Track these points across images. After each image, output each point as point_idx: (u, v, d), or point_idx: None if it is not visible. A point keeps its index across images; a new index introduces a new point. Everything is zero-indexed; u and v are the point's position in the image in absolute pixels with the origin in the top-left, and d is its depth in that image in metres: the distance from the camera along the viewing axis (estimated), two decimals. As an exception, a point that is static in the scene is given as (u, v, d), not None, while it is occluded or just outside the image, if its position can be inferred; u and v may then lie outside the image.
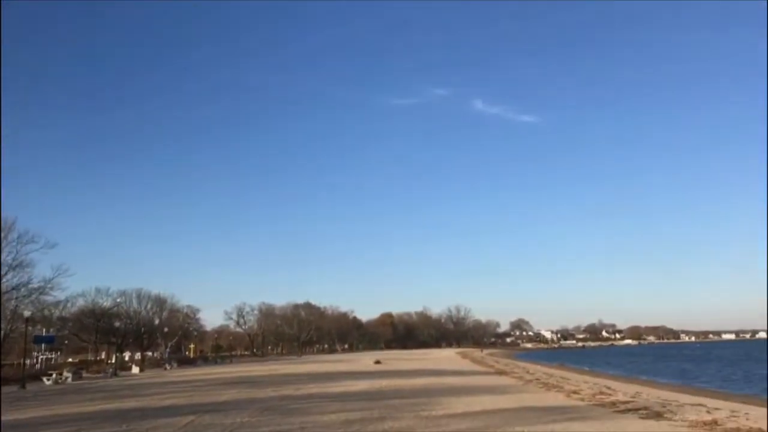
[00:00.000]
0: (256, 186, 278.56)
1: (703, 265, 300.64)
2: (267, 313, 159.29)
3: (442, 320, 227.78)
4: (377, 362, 58.73)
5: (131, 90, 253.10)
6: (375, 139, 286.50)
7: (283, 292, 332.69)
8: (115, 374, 56.76)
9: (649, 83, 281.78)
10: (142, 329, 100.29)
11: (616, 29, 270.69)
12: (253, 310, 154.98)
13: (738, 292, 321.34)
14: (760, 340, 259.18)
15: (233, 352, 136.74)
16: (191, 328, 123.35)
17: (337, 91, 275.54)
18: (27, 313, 46.05)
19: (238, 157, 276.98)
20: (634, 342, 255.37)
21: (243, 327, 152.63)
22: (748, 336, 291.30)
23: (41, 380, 45.20)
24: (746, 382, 45.67)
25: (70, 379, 47.02)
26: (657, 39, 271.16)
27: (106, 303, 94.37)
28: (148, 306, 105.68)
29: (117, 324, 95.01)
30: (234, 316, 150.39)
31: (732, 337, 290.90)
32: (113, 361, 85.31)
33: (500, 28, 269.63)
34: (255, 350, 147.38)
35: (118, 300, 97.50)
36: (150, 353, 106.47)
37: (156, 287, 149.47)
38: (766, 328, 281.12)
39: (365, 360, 75.16)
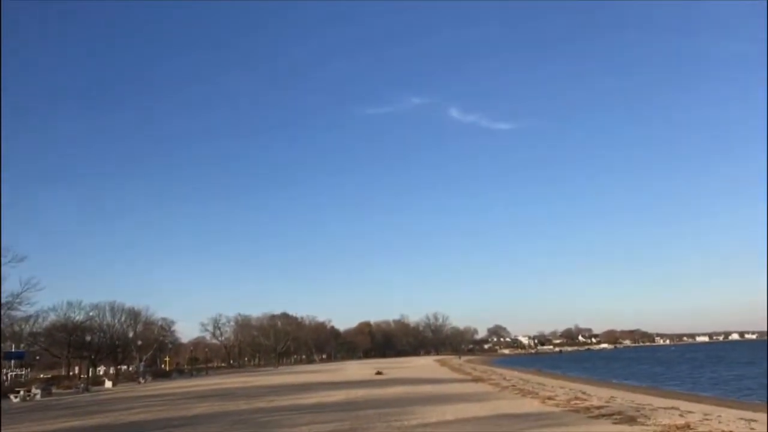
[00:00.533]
0: (230, 197, 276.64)
1: (676, 270, 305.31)
2: (243, 324, 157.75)
3: (420, 328, 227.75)
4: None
5: (110, 98, 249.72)
6: (351, 148, 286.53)
7: (259, 302, 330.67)
8: (86, 389, 55.48)
9: (624, 89, 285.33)
10: (116, 343, 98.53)
11: (594, 35, 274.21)
12: (229, 321, 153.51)
13: (711, 295, 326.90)
14: (732, 341, 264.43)
15: (210, 364, 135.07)
16: (166, 341, 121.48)
17: (312, 100, 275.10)
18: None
19: (214, 169, 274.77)
20: (611, 346, 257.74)
21: (219, 339, 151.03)
22: (721, 338, 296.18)
23: (8, 398, 44.02)
24: (714, 384, 46.29)
25: (39, 396, 45.76)
26: (634, 44, 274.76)
27: (79, 317, 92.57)
28: (122, 319, 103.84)
29: (89, 338, 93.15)
30: (210, 328, 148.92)
31: (706, 339, 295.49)
32: (85, 376, 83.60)
33: (476, 35, 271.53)
34: (232, 362, 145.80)
35: (91, 313, 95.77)
36: (125, 367, 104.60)
37: (130, 300, 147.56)
38: (739, 330, 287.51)
39: (349, 370, 74.56)
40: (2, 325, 53.88)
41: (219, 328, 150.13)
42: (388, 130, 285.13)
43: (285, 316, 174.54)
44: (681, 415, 19.19)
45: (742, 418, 18.80)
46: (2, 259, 55.47)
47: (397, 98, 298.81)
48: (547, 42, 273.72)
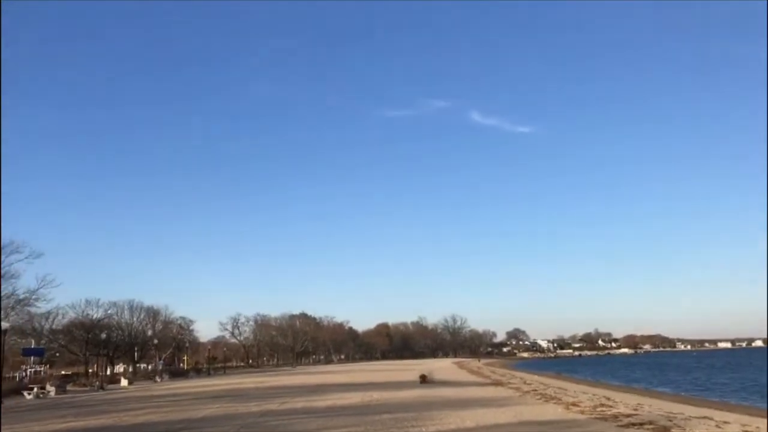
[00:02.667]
0: (251, 195, 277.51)
1: (697, 274, 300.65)
2: (262, 324, 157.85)
3: (438, 330, 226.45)
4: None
5: (122, 93, 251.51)
6: (371, 150, 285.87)
7: (278, 303, 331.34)
8: (101, 387, 55.13)
9: (645, 90, 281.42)
10: (134, 341, 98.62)
11: (613, 37, 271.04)
12: (248, 321, 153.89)
13: (734, 300, 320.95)
14: (756, 348, 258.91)
15: (228, 364, 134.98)
16: (185, 340, 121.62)
17: (334, 101, 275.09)
18: (6, 325, 44.44)
19: (232, 166, 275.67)
20: (630, 351, 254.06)
21: (238, 338, 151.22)
22: (744, 344, 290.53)
23: (22, 395, 43.65)
24: (748, 392, 44.53)
25: (53, 393, 45.40)
26: (654, 44, 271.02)
27: (97, 314, 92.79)
28: (141, 317, 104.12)
29: (105, 335, 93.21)
30: (229, 327, 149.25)
31: (728, 345, 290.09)
32: (102, 373, 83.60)
33: (496, 39, 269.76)
34: (250, 361, 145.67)
35: (109, 311, 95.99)
36: (143, 365, 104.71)
37: (149, 298, 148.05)
38: (764, 336, 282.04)
39: (367, 372, 73.43)
40: (18, 321, 53.78)
41: (238, 328, 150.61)
42: (408, 132, 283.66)
43: (304, 316, 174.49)
44: (717, 426, 17.93)
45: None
46: (17, 255, 55.53)
47: (417, 101, 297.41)
48: (569, 45, 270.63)
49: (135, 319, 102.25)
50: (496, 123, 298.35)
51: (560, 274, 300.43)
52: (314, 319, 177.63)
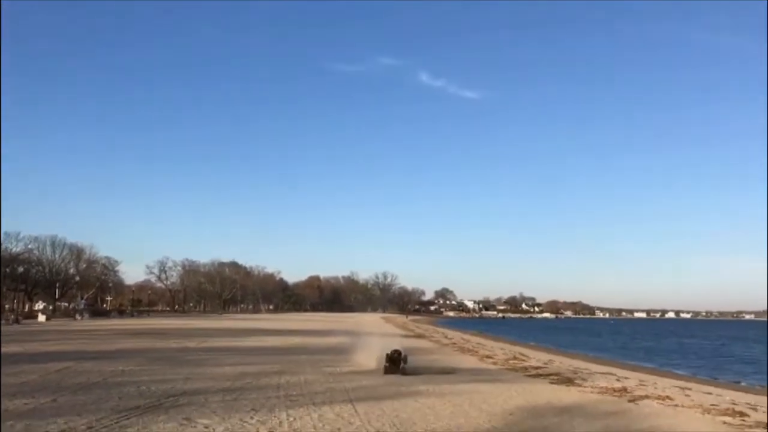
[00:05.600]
0: (186, 140, 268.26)
1: (618, 247, 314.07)
2: (190, 270, 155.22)
3: (369, 286, 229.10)
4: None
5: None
6: (314, 102, 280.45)
7: (208, 250, 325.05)
8: (16, 321, 53.51)
9: (593, 62, 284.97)
10: (55, 278, 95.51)
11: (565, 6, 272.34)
12: (176, 266, 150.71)
13: (651, 273, 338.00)
14: (668, 319, 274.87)
15: (154, 308, 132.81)
16: (109, 281, 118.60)
17: (281, 50, 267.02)
18: None
19: (170, 109, 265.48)
20: (552, 316, 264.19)
21: (165, 282, 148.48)
22: (658, 315, 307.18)
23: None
24: (648, 355, 47.11)
25: (-38, 325, 43.78)
26: (603, 13, 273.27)
27: (16, 248, 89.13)
28: (63, 254, 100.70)
29: (23, 270, 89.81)
30: (156, 271, 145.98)
31: (643, 315, 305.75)
32: (18, 308, 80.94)
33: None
34: (176, 307, 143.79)
35: (30, 246, 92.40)
36: (64, 304, 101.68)
37: (73, 236, 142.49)
38: (675, 308, 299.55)
39: (298, 321, 73.75)
40: None
41: (165, 272, 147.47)
42: (356, 88, 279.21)
43: (234, 264, 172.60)
44: (618, 380, 18.93)
45: (677, 386, 18.66)
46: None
47: (367, 57, 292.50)
48: (520, 13, 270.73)
49: (57, 256, 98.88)
50: (443, 85, 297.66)
51: (490, 238, 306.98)
52: (244, 268, 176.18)
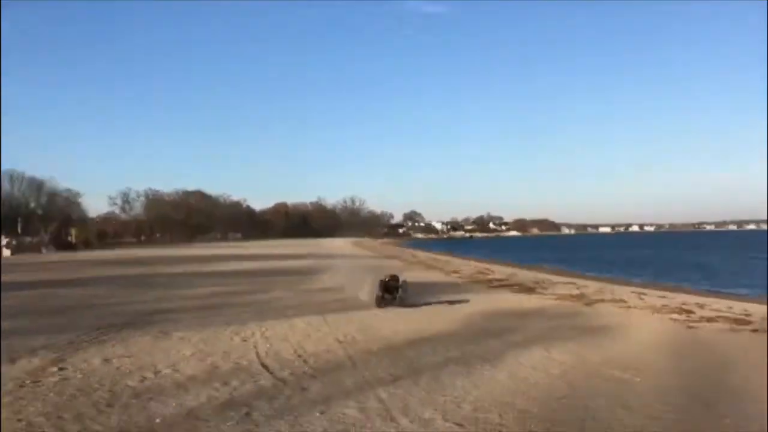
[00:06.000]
0: (147, 61, 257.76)
1: (585, 160, 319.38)
2: (154, 200, 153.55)
3: (337, 211, 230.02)
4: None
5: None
6: (273, 17, 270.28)
7: (172, 179, 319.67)
8: (-21, 256, 52.75)
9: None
10: (16, 213, 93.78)
11: None
12: (139, 196, 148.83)
13: (614, 189, 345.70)
14: (632, 233, 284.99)
15: (119, 240, 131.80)
16: (72, 214, 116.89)
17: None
18: None
19: (134, 32, 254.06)
20: (519, 233, 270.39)
21: (129, 213, 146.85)
22: (622, 229, 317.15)
23: None
24: (611, 265, 48.87)
25: None
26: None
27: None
28: (23, 188, 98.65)
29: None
30: (119, 202, 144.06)
31: (608, 230, 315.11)
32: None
33: None
34: (142, 238, 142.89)
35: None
36: (28, 239, 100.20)
37: (32, 169, 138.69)
38: (639, 222, 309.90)
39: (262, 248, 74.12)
40: None
41: (129, 203, 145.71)
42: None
43: (199, 193, 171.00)
44: (577, 288, 19.82)
45: (633, 292, 19.61)
46: None
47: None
48: None
49: (16, 189, 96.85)
50: None
51: (456, 157, 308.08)
52: (210, 196, 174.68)
